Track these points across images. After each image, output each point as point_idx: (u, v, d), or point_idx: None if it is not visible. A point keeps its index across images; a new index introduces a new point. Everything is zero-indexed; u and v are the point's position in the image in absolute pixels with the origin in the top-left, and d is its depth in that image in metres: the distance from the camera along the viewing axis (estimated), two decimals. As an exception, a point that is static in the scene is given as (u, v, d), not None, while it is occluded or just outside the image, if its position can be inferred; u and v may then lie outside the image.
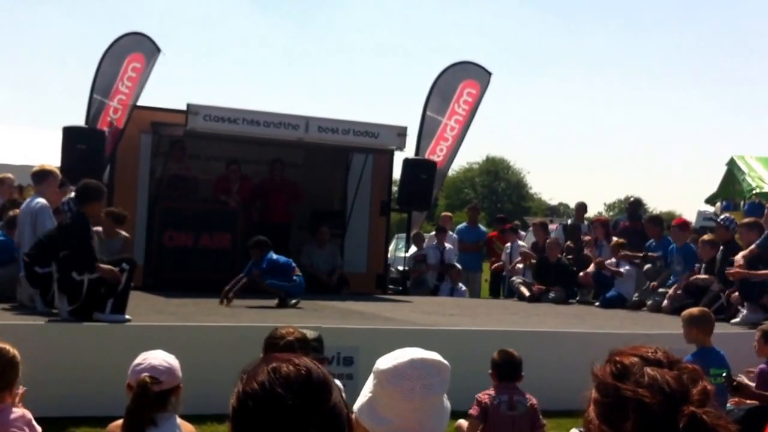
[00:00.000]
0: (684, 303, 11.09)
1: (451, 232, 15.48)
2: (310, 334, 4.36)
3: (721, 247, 10.87)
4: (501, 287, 15.12)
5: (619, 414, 1.56)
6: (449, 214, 17.41)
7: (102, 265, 7.53)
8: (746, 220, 11.59)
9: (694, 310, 6.96)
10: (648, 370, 1.59)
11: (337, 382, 4.17)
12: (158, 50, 12.59)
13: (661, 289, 11.75)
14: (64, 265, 7.51)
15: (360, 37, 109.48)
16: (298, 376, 1.70)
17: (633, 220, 14.61)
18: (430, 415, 2.32)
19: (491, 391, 5.49)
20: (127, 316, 7.56)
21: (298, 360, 1.74)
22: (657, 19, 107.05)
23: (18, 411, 3.87)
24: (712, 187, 19.56)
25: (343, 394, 1.76)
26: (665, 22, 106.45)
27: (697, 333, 6.54)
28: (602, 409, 1.61)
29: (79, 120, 12.25)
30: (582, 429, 6.16)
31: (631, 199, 18.10)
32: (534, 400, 5.54)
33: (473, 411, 5.45)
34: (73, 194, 8.40)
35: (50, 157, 10.51)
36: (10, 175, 10.70)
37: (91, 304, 7.46)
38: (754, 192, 16.22)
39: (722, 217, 11.72)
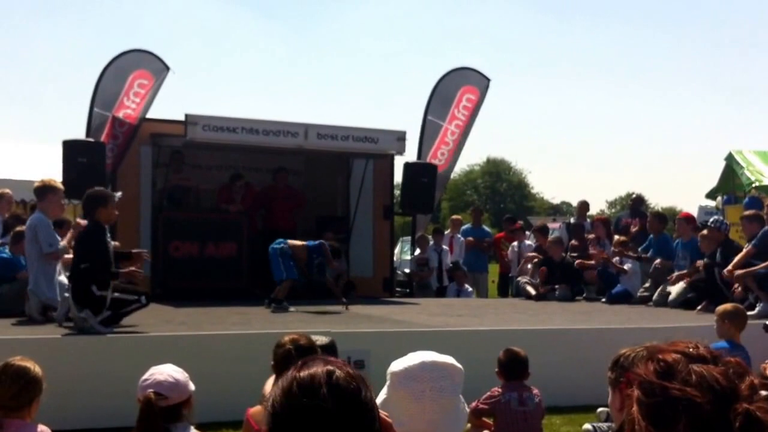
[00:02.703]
0: (687, 297, 11.14)
1: (459, 235, 15.51)
2: (322, 340, 4.32)
3: (719, 249, 10.88)
4: (509, 287, 15.14)
5: (668, 415, 1.50)
6: (459, 217, 17.34)
7: (123, 270, 7.95)
8: (747, 212, 11.59)
9: (728, 305, 7.00)
10: (694, 367, 1.53)
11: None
12: (167, 68, 12.70)
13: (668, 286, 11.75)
14: (84, 278, 7.45)
15: (359, 44, 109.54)
16: (349, 386, 1.67)
17: (635, 217, 14.62)
18: (442, 418, 2.33)
19: (499, 390, 5.49)
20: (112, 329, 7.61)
21: (354, 372, 1.72)
22: (655, 17, 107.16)
23: (38, 428, 3.91)
24: (713, 181, 19.49)
25: None
26: (663, 19, 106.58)
27: (728, 327, 6.62)
28: (648, 409, 1.53)
29: (79, 134, 12.26)
30: (594, 424, 6.18)
31: (633, 195, 18.12)
32: (540, 396, 5.55)
33: (483, 405, 5.42)
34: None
35: (52, 172, 10.51)
36: (8, 191, 10.73)
37: (118, 311, 7.69)
38: (753, 186, 16.23)
39: (712, 219, 11.74)
